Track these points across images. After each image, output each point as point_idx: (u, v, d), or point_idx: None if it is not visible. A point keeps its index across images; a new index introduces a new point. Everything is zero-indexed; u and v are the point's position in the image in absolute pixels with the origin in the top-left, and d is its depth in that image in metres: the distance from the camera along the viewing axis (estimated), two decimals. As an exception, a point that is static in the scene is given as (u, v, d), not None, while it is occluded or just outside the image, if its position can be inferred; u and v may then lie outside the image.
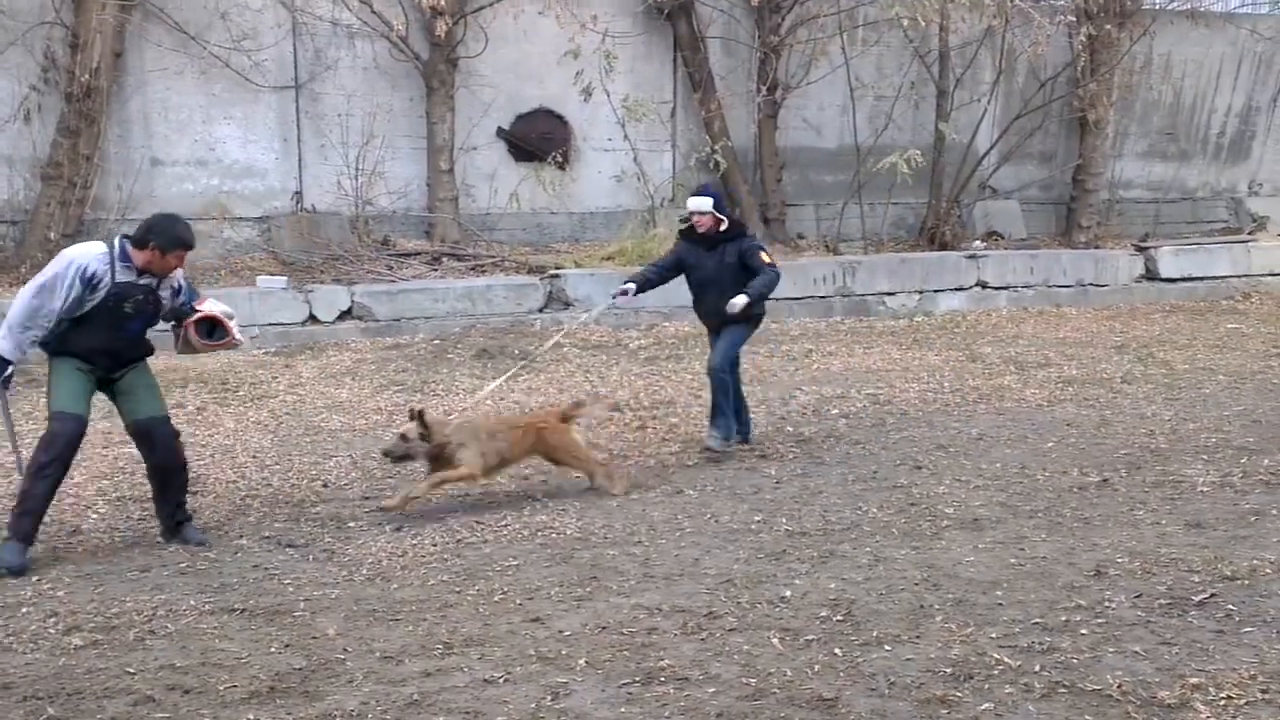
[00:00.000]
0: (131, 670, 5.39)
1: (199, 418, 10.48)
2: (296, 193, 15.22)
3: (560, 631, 5.79)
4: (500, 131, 16.31)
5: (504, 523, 7.68)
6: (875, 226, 17.16)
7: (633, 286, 9.19)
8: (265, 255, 14.98)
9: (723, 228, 9.00)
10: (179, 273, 7.28)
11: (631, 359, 12.83)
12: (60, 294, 6.90)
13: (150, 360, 7.52)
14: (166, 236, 6.98)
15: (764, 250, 9.13)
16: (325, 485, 8.59)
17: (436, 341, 13.35)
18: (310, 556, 7.07)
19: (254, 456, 9.31)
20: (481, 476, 7.97)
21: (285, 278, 14.01)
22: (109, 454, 9.28)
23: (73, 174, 13.33)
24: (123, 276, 7.02)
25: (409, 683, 5.20)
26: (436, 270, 14.77)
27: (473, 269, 14.91)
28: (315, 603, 6.26)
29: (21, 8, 13.41)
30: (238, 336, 7.62)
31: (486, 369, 12.12)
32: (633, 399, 11.05)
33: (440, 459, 7.84)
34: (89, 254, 6.98)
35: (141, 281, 7.08)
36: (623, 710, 4.91)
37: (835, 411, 10.63)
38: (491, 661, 5.43)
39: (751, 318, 9.17)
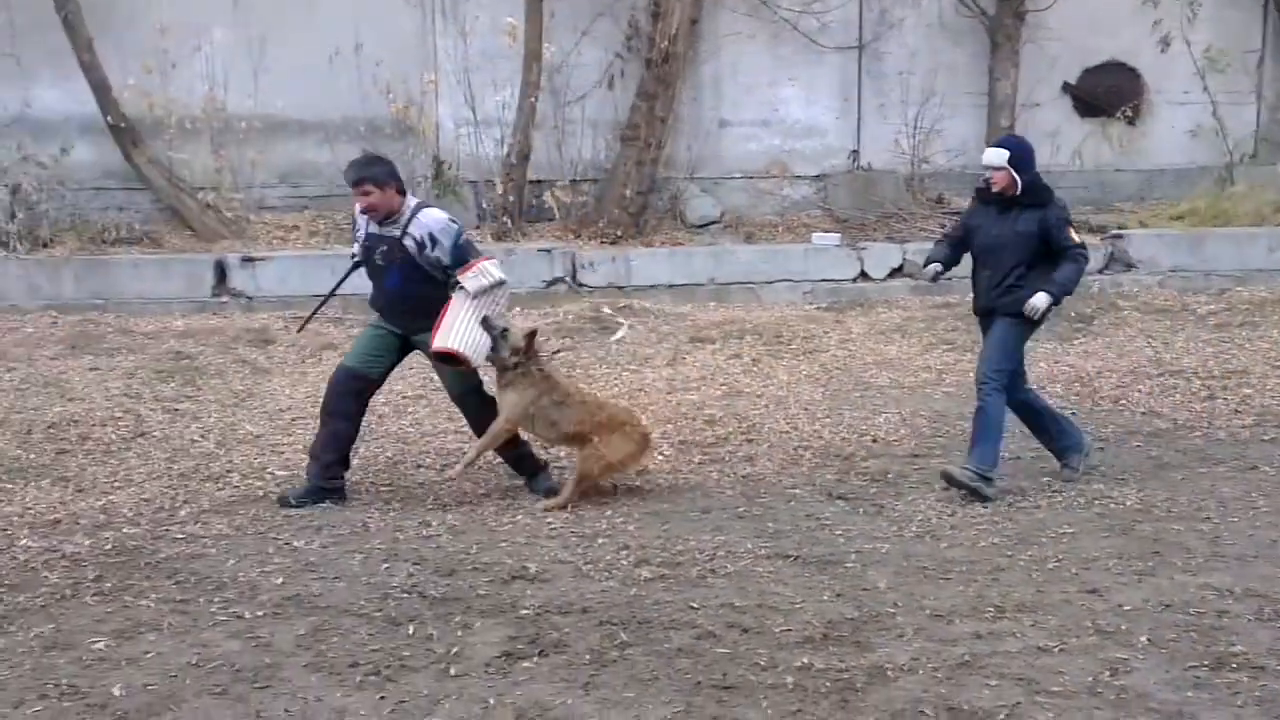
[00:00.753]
0: (694, 605, 5.71)
1: (754, 369, 10.87)
2: (853, 151, 15.39)
3: (1119, 605, 5.58)
4: (1066, 86, 15.72)
5: (1054, 488, 7.47)
6: None
7: (938, 267, 7.59)
8: (821, 213, 15.26)
9: (1017, 191, 7.30)
10: (426, 224, 7.19)
11: (1199, 325, 12.03)
12: (356, 223, 7.52)
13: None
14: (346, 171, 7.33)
15: (1071, 225, 7.36)
16: (875, 440, 8.69)
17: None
18: (860, 510, 7.20)
19: (805, 409, 9.55)
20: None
21: (838, 235, 14.24)
22: (671, 399, 9.83)
23: (648, 135, 14.14)
24: (373, 228, 7.35)
25: (960, 643, 5.19)
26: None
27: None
28: (865, 555, 6.37)
29: (610, -20, 14.36)
30: (473, 363, 7.30)
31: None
32: (1199, 367, 10.39)
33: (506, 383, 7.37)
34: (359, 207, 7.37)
35: (386, 233, 7.28)
36: (1189, 695, 4.67)
37: None
38: (1045, 629, 5.32)
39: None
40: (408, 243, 7.19)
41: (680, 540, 6.63)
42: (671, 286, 13.40)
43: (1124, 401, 9.65)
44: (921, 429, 8.91)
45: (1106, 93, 15.71)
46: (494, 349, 7.23)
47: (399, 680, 5.00)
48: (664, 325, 12.31)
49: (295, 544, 6.61)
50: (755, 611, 5.63)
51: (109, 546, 6.57)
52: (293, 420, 9.22)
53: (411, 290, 7.26)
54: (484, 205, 14.24)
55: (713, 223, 14.79)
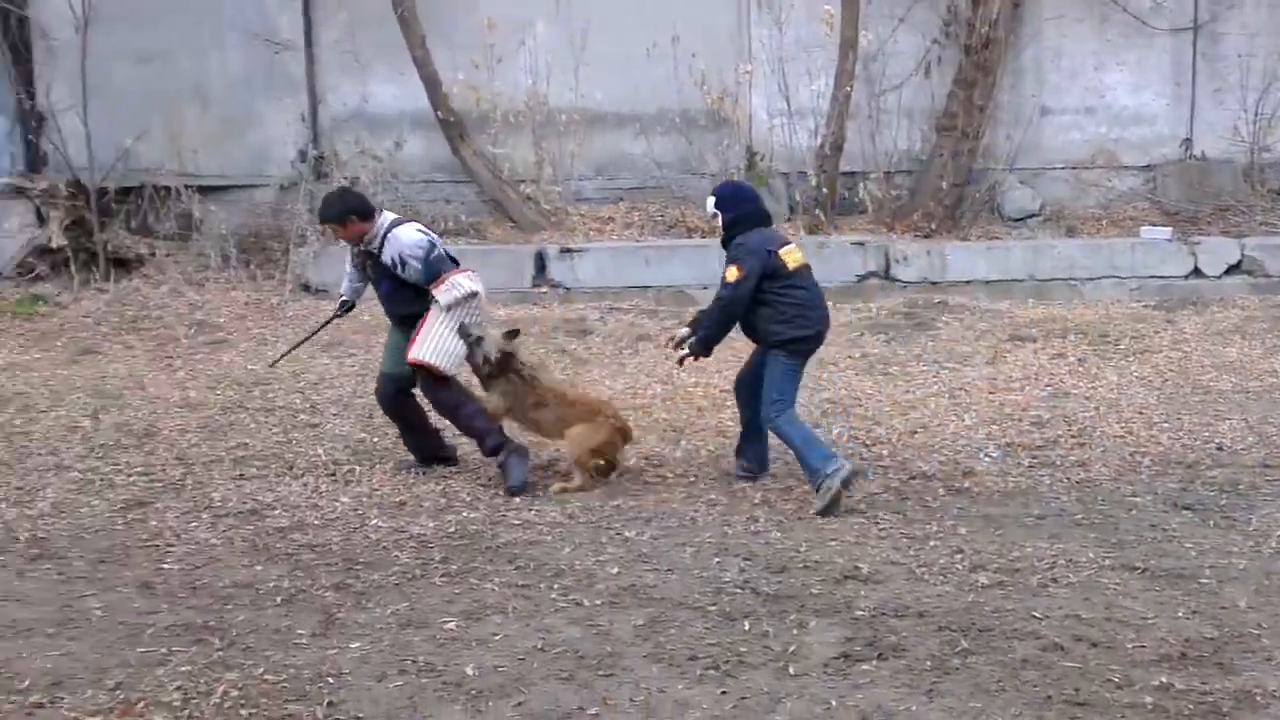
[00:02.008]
0: (1037, 615, 5.56)
1: (1079, 369, 10.52)
2: (1185, 139, 14.68)
3: None
4: None
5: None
6: None
7: None
8: (1148, 205, 14.63)
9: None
10: (396, 246, 7.53)
11: None
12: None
13: None
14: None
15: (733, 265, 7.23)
16: (1220, 448, 8.27)
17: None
18: (1210, 522, 6.87)
19: (1140, 412, 9.17)
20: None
21: (1169, 229, 13.61)
22: (995, 399, 9.60)
23: (966, 124, 13.84)
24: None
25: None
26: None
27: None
28: (1220, 571, 6.08)
29: (931, -33, 14.12)
30: (446, 371, 7.65)
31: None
32: None
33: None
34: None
35: (368, 249, 7.71)
36: None
37: None
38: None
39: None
40: (384, 260, 7.61)
41: (1016, 546, 6.47)
42: (988, 282, 13.13)
43: None
44: (1272, 438, 8.43)
45: None
46: (470, 356, 7.60)
47: (738, 676, 5.05)
48: (980, 322, 12.06)
49: (627, 534, 6.77)
50: (1104, 625, 5.44)
51: (452, 529, 6.89)
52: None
53: (402, 295, 7.71)
54: (795, 197, 14.24)
55: (1031, 216, 14.38)
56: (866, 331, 11.88)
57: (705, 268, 12.98)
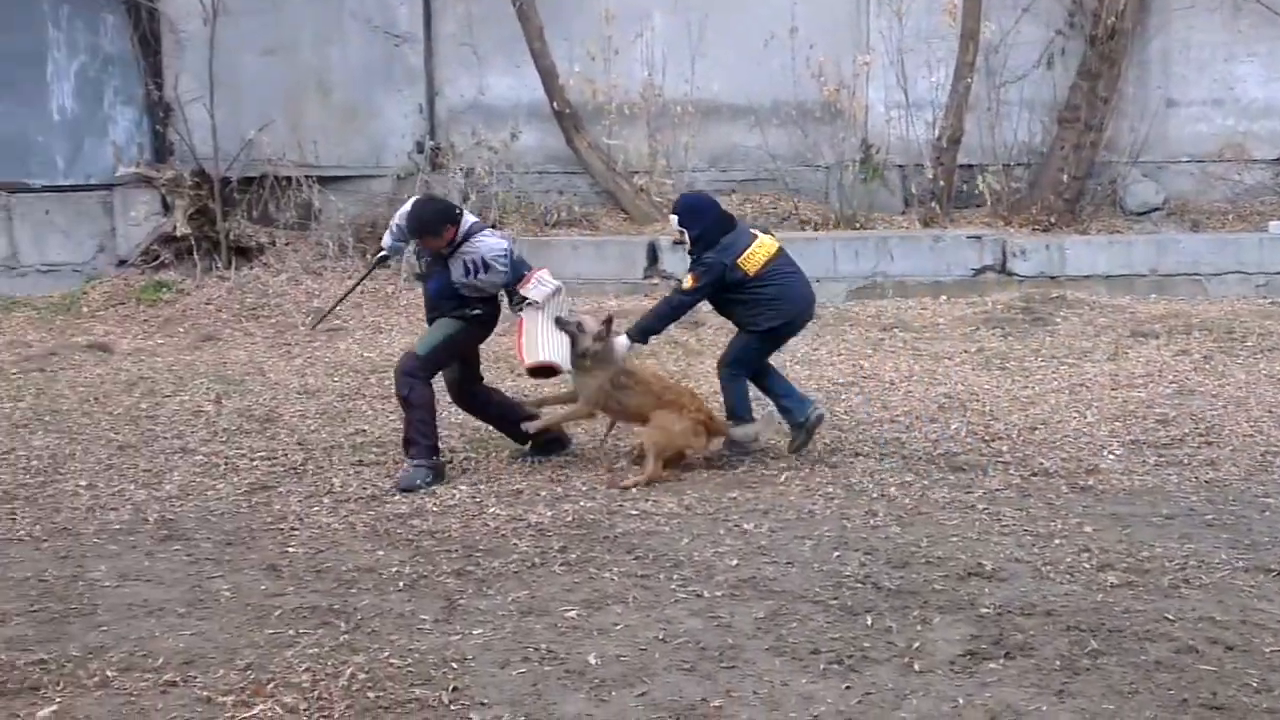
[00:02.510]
0: (1169, 617, 5.42)
1: (1205, 366, 10.29)
2: (1320, 132, 14.27)
3: None
4: None
5: None
6: None
7: None
8: (1277, 200, 14.24)
9: None
10: (476, 253, 7.45)
11: None
12: (399, 222, 7.85)
13: None
14: (406, 219, 7.69)
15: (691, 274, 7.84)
16: (1355, 450, 8.02)
17: None
18: (1353, 527, 6.65)
19: (1270, 411, 8.93)
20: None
21: (1299, 223, 13.27)
22: (1118, 396, 9.42)
23: (1089, 117, 13.59)
24: None
25: None
26: None
27: None
28: (1360, 576, 5.89)
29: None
30: (563, 368, 7.69)
31: None
32: None
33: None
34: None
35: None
36: None
37: None
38: None
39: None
40: (454, 265, 7.50)
41: (1145, 546, 6.32)
42: (1108, 277, 12.94)
43: None
44: None
45: None
46: (574, 344, 7.56)
47: (862, 671, 5.00)
48: (1101, 318, 11.87)
49: (745, 526, 6.73)
50: (1239, 628, 5.29)
51: (569, 518, 6.90)
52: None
53: (449, 295, 7.61)
54: (911, 190, 14.09)
55: (1154, 210, 14.11)
56: (982, 326, 11.73)
57: (817, 261, 12.89)
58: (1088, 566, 6.07)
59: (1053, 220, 13.49)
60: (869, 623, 5.44)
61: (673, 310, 7.98)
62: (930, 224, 13.55)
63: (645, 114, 13.76)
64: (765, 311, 7.86)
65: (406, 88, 13.99)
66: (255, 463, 8.07)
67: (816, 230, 13.51)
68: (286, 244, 13.56)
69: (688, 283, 7.83)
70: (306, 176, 13.54)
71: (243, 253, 13.44)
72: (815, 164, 13.95)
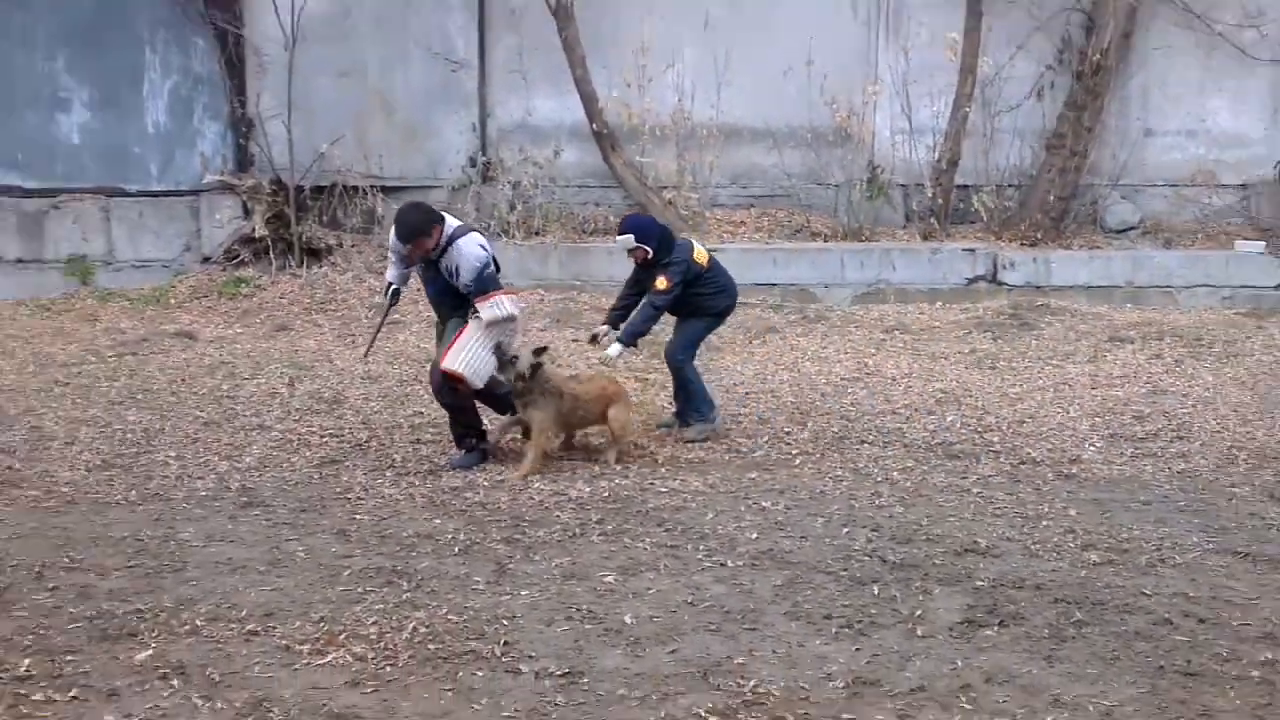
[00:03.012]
0: (1146, 592, 5.41)
1: (1176, 369, 10.21)
2: (1279, 162, 14.11)
3: None
4: None
5: None
6: None
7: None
8: (1243, 222, 14.12)
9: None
10: (455, 258, 7.19)
11: None
12: (393, 243, 7.50)
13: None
14: (394, 224, 7.30)
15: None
16: (1317, 447, 7.95)
17: None
18: (1308, 514, 6.60)
19: (1235, 410, 8.88)
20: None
21: (1263, 243, 13.15)
22: (1097, 394, 9.36)
23: (1074, 144, 13.48)
24: None
25: None
26: None
27: None
28: (1320, 559, 5.84)
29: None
30: (473, 385, 7.36)
31: None
32: None
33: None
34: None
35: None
36: None
37: None
38: None
39: None
40: (441, 267, 7.30)
41: (1124, 529, 6.30)
42: (1089, 288, 12.81)
43: None
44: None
45: None
46: (501, 371, 7.33)
47: (870, 635, 4.99)
48: (1081, 324, 11.78)
49: (764, 504, 6.72)
50: (1209, 603, 5.27)
51: (605, 494, 6.90)
52: (745, 394, 9.39)
53: (452, 296, 7.41)
54: (912, 207, 14.02)
55: (1131, 228, 13.95)
56: (975, 330, 11.67)
57: (826, 269, 12.91)
58: (1072, 546, 6.05)
59: (1040, 236, 13.39)
60: (876, 592, 5.44)
61: (656, 311, 8.02)
62: (929, 238, 13.47)
63: (675, 135, 13.70)
64: (719, 294, 8.28)
65: (462, 109, 13.97)
66: (325, 439, 8.09)
67: (827, 242, 13.44)
68: (352, 246, 13.56)
69: (663, 285, 7.93)
70: (371, 186, 13.53)
71: (313, 253, 13.45)
72: (826, 182, 13.86)
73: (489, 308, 7.24)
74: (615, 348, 7.99)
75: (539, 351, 7.52)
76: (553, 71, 13.66)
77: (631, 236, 8.00)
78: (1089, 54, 13.32)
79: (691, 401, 8.21)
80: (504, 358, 7.29)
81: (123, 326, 11.80)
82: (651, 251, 7.98)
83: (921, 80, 13.61)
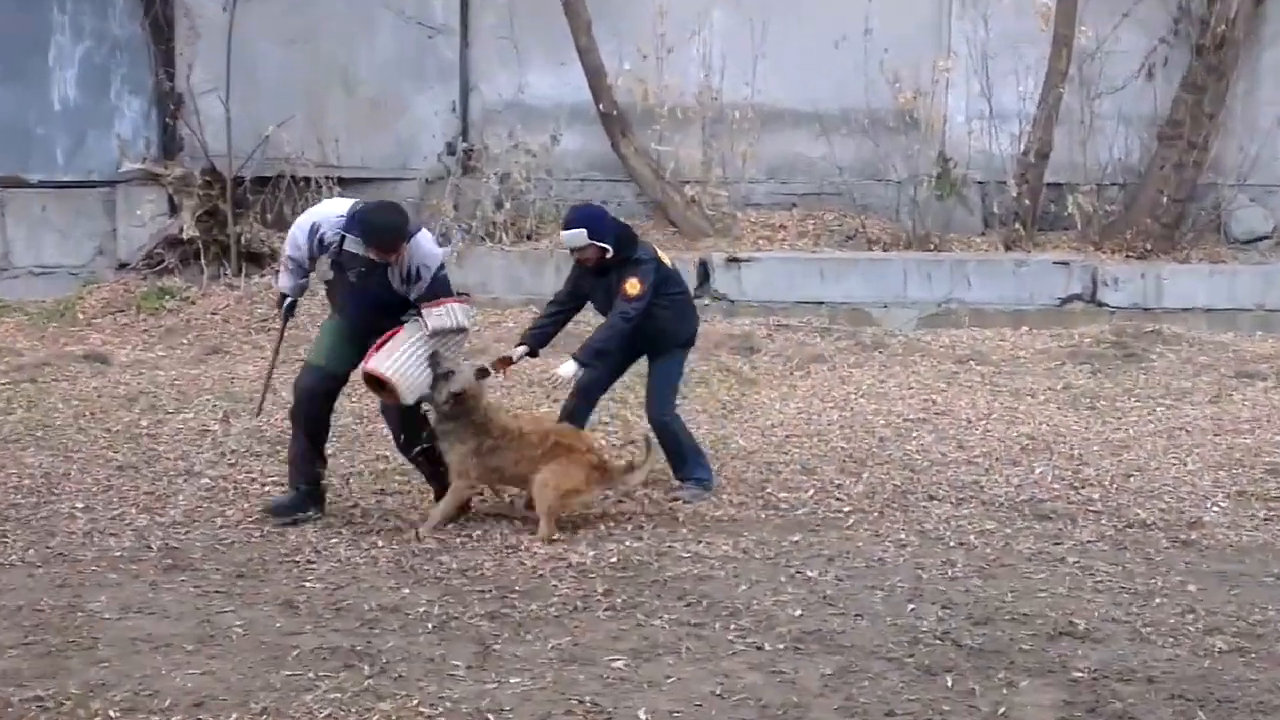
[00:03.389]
0: (1286, 687, 5.38)
1: None
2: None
3: None
4: None
5: None
6: None
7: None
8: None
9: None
10: (414, 262, 7.22)
11: None
12: (301, 245, 7.45)
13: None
14: (362, 227, 7.18)
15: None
16: None
17: None
18: None
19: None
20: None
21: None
22: (1221, 442, 9.36)
23: (1192, 134, 13.50)
24: (351, 247, 7.30)
25: None
26: None
27: None
28: None
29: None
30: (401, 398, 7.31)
31: None
32: None
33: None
34: (326, 215, 7.44)
35: (371, 256, 7.23)
36: None
37: None
38: None
39: None
40: (391, 273, 7.27)
41: (1256, 609, 6.28)
42: (1210, 310, 12.91)
43: None
44: None
45: None
46: (432, 388, 7.27)
47: (942, 738, 4.98)
48: (1201, 355, 11.84)
49: (808, 573, 6.72)
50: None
51: (614, 559, 6.91)
52: (786, 437, 9.40)
53: (379, 311, 7.39)
54: (992, 209, 14.06)
55: (1262, 238, 14.06)
56: (1069, 361, 11.70)
57: (886, 283, 12.93)
58: (1193, 629, 6.04)
59: (1149, 246, 13.43)
60: (949, 684, 5.42)
61: (627, 324, 7.80)
62: (1013, 247, 13.53)
63: (700, 118, 13.78)
64: (688, 313, 8.27)
65: (438, 83, 14.05)
66: (267, 488, 8.11)
67: (886, 250, 13.50)
68: (302, 251, 13.64)
69: (634, 290, 7.76)
70: (327, 178, 13.59)
71: (254, 259, 13.50)
72: (886, 178, 13.93)
73: (438, 315, 7.28)
74: (570, 366, 7.82)
75: (482, 373, 7.52)
76: (551, 39, 13.76)
77: (584, 232, 7.80)
78: (1212, 24, 13.38)
79: (687, 461, 8.12)
80: (437, 370, 7.25)
81: (19, 348, 11.86)
82: (611, 250, 7.82)
83: (1005, 54, 13.68)
